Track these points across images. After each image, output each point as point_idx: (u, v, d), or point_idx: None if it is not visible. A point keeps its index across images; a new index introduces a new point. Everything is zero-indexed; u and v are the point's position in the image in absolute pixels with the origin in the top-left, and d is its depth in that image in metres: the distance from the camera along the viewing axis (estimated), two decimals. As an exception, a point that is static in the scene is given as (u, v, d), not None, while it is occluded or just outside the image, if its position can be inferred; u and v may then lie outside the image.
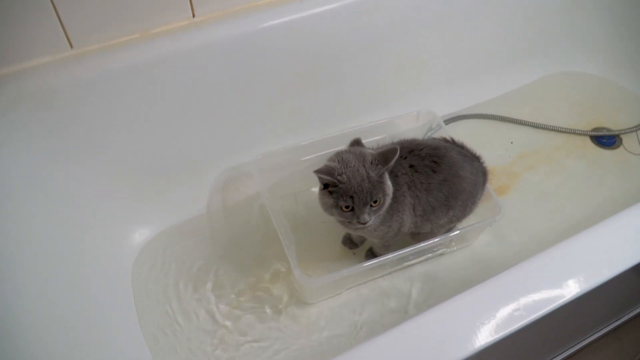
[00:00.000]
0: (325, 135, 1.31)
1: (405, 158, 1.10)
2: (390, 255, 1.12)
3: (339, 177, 0.98)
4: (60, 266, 1.09)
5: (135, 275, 1.25)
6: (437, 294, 1.23)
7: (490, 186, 1.25)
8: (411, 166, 1.09)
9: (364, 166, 0.99)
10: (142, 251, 1.29)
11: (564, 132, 1.56)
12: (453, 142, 1.20)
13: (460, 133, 1.54)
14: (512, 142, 1.55)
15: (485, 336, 0.78)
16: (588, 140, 1.56)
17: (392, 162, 1.00)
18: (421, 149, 1.11)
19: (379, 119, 1.36)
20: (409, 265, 1.27)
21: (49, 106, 1.11)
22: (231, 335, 1.16)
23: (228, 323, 1.18)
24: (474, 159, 1.19)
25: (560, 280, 0.85)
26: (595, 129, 1.58)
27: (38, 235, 1.06)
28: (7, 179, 1.03)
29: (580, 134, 1.56)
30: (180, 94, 1.23)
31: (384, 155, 1.00)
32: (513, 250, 1.31)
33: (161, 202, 1.33)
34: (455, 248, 1.30)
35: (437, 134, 1.39)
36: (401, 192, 1.08)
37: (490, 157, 1.44)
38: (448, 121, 1.57)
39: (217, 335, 1.16)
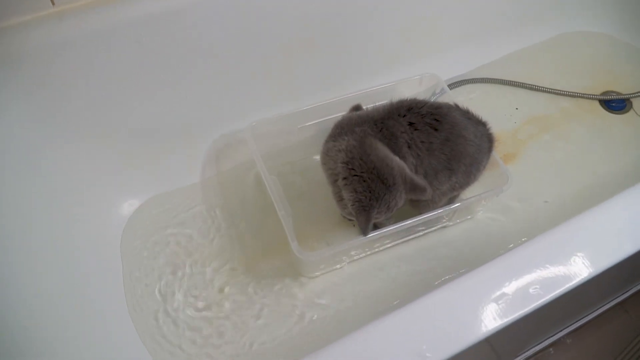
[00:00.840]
0: (324, 101, 1.23)
1: (404, 116, 1.04)
2: (390, 228, 1.07)
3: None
4: (48, 238, 1.04)
5: (124, 245, 1.20)
6: (441, 267, 1.19)
7: (498, 154, 1.20)
8: (410, 124, 1.03)
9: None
10: (132, 219, 1.23)
11: (572, 96, 1.49)
12: (457, 107, 1.14)
13: (465, 98, 1.48)
14: (517, 108, 1.48)
15: (494, 319, 0.74)
16: (597, 104, 1.50)
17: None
18: (421, 107, 1.05)
19: (380, 84, 1.28)
20: (410, 238, 1.22)
21: (29, 65, 1.03)
22: (220, 311, 1.13)
23: (220, 298, 1.14)
24: (479, 123, 1.13)
25: (574, 258, 0.80)
26: (604, 93, 1.52)
27: (23, 208, 1.01)
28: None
29: (588, 98, 1.49)
30: (171, 55, 1.15)
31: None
32: (519, 222, 1.26)
33: (152, 170, 1.26)
34: (458, 220, 1.25)
35: (441, 99, 1.33)
36: (402, 154, 1.02)
37: (495, 123, 1.38)
38: (452, 85, 1.50)
39: (210, 311, 1.12)
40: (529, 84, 1.51)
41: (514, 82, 1.52)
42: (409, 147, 1.03)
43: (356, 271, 1.19)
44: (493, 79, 1.53)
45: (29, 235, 1.00)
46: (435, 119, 1.04)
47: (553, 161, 1.38)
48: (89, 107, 1.13)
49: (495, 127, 1.30)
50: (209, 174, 1.31)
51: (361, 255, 1.20)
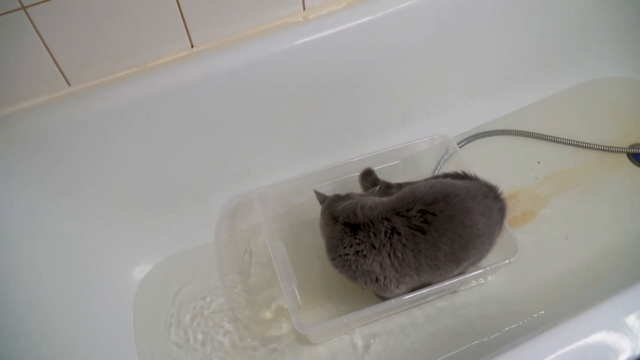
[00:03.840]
0: (336, 163, 1.26)
1: (388, 220, 1.02)
2: (391, 302, 1.06)
3: None
4: (63, 302, 1.10)
5: (137, 306, 1.25)
6: (447, 334, 1.17)
7: (513, 213, 1.17)
8: (393, 229, 1.01)
9: None
10: (145, 279, 1.28)
11: (597, 149, 1.43)
12: (464, 176, 1.12)
13: (481, 152, 1.45)
14: (538, 162, 1.43)
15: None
16: (625, 157, 1.42)
17: None
18: (409, 209, 1.01)
19: (392, 144, 1.29)
20: (420, 303, 1.20)
21: (46, 145, 1.10)
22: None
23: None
24: (488, 194, 1.09)
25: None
26: (633, 145, 1.44)
27: (37, 275, 1.07)
28: (3, 221, 1.04)
29: (615, 151, 1.42)
30: (180, 126, 1.20)
31: None
32: (535, 289, 1.21)
33: (164, 233, 1.32)
34: (469, 286, 1.22)
35: (453, 160, 1.31)
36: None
37: (513, 179, 1.38)
38: (469, 139, 1.47)
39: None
40: (550, 136, 1.46)
41: (535, 133, 1.47)
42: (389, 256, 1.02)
43: (366, 334, 1.18)
44: (512, 130, 1.49)
45: (43, 303, 1.05)
46: (425, 221, 1.00)
47: (575, 220, 1.32)
48: (103, 178, 1.19)
49: (514, 183, 1.29)
50: (223, 235, 1.35)
51: (368, 322, 1.19)
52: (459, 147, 1.43)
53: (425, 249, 1.00)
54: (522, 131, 1.48)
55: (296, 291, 1.15)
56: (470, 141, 1.47)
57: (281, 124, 1.29)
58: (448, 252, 1.00)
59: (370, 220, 1.01)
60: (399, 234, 1.00)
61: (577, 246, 1.27)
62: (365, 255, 1.01)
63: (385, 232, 1.00)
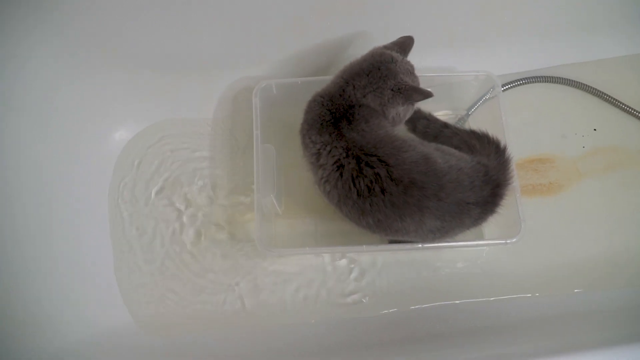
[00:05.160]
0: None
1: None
2: (362, 246, 1.00)
3: None
4: (39, 155, 1.06)
5: (118, 166, 1.20)
6: (419, 291, 1.10)
7: (540, 179, 1.07)
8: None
9: None
10: (133, 140, 1.22)
11: (672, 133, 1.19)
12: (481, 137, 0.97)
13: (531, 100, 1.24)
14: (595, 129, 1.21)
15: None
16: (702, 152, 1.19)
17: None
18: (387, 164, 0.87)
19: (432, 65, 1.11)
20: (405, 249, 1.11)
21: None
22: (192, 260, 1.13)
23: (192, 248, 1.14)
24: (488, 181, 0.91)
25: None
26: None
27: (13, 122, 1.02)
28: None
29: (693, 143, 1.18)
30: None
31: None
32: (532, 273, 1.11)
33: (159, 96, 1.22)
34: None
35: (493, 102, 1.11)
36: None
37: (557, 141, 1.21)
38: (521, 81, 1.23)
39: (179, 258, 1.13)
40: (620, 102, 1.21)
41: (602, 93, 1.22)
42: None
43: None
44: (575, 82, 1.24)
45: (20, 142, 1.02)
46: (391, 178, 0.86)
47: (606, 211, 1.15)
48: (101, 21, 1.06)
49: (556, 146, 1.17)
50: (221, 115, 1.24)
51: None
52: (505, 89, 1.22)
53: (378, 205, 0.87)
54: (587, 85, 1.23)
55: (274, 200, 1.08)
56: (521, 84, 1.24)
57: (306, 19, 1.10)
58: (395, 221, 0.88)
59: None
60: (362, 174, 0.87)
61: (591, 239, 1.13)
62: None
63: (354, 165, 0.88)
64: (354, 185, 0.87)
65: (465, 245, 1.03)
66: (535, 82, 1.24)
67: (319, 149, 0.92)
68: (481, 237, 1.07)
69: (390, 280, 1.10)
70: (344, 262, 1.12)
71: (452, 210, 0.86)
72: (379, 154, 0.86)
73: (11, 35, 0.97)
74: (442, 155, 0.90)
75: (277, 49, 1.17)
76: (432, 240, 0.94)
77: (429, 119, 1.09)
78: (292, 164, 1.13)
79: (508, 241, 0.98)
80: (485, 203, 0.90)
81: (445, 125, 1.07)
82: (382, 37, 1.09)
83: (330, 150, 0.90)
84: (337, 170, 0.89)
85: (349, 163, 0.87)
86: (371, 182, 0.86)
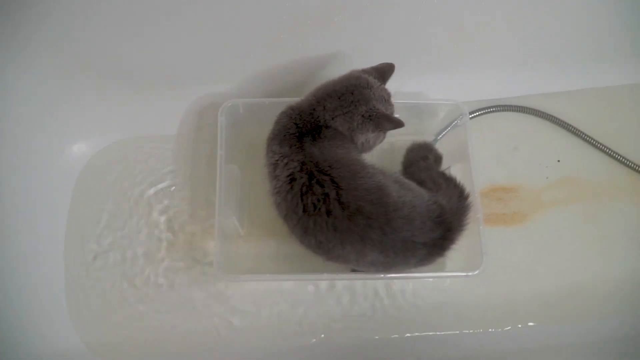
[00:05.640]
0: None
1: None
2: (323, 274, 0.98)
3: None
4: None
5: (79, 185, 1.16)
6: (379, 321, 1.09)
7: (503, 209, 1.10)
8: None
9: None
10: (96, 157, 1.18)
11: (635, 169, 1.21)
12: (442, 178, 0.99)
13: (498, 128, 1.24)
14: (559, 161, 1.23)
15: None
16: (661, 190, 1.21)
17: None
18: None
19: (399, 93, 1.09)
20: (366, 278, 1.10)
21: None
22: (149, 283, 1.10)
23: (149, 271, 1.10)
24: (440, 223, 0.89)
25: None
26: (677, 178, 1.21)
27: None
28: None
29: (653, 178, 1.21)
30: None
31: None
32: (495, 303, 1.10)
33: (124, 112, 1.18)
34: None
35: (459, 131, 1.12)
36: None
37: (521, 170, 1.21)
38: (489, 109, 1.24)
39: (137, 281, 1.10)
40: (584, 134, 1.23)
41: (567, 124, 1.23)
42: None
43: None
44: (541, 112, 1.25)
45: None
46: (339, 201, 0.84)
47: (567, 242, 1.16)
48: (71, 31, 1.02)
49: (520, 175, 1.18)
50: (185, 131, 1.21)
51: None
52: (474, 116, 1.23)
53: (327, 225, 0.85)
54: (553, 116, 1.24)
55: (236, 221, 1.06)
56: (490, 112, 1.24)
57: (278, 36, 1.08)
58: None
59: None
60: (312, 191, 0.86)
61: (550, 272, 1.13)
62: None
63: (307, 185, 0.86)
64: (302, 200, 0.85)
65: (426, 276, 1.02)
66: (504, 110, 1.25)
67: (277, 160, 0.90)
68: (443, 268, 1.06)
69: (350, 307, 1.09)
70: (310, 287, 1.10)
71: (397, 247, 0.84)
72: (333, 175, 0.85)
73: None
74: (399, 189, 0.88)
75: (246, 66, 1.15)
76: (375, 272, 0.93)
77: (420, 147, 1.08)
78: (256, 183, 1.11)
79: (469, 274, 0.98)
80: (434, 245, 0.88)
81: (425, 157, 1.06)
82: (359, 59, 1.08)
83: (287, 163, 0.88)
84: (289, 183, 0.87)
85: (301, 177, 0.86)
86: (318, 200, 0.84)
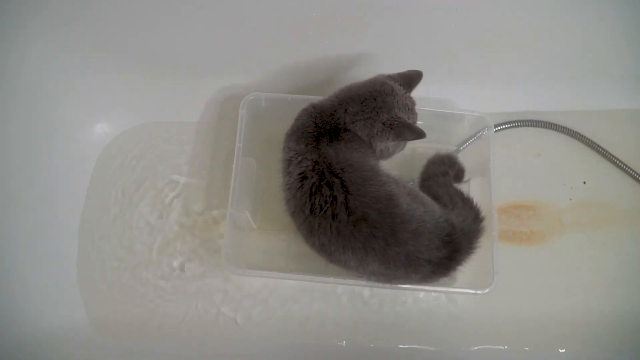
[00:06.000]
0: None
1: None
2: (330, 278, 0.96)
3: None
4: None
5: (99, 164, 1.18)
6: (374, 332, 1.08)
7: (521, 227, 1.09)
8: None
9: None
10: (118, 138, 1.19)
11: (663, 197, 1.17)
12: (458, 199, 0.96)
13: (524, 144, 1.21)
14: (585, 182, 1.19)
15: None
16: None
17: None
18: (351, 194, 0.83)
19: (427, 96, 1.07)
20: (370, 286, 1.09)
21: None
22: (159, 267, 1.11)
23: (159, 256, 1.12)
24: (447, 243, 0.87)
25: None
26: None
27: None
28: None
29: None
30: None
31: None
32: (502, 322, 1.08)
33: (147, 97, 1.19)
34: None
35: (483, 143, 1.09)
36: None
37: (544, 188, 1.18)
38: (517, 123, 1.21)
39: (147, 263, 1.11)
40: (615, 157, 1.19)
41: (598, 145, 1.19)
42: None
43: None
44: (571, 130, 1.21)
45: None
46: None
47: (585, 267, 1.12)
48: (97, 14, 1.03)
49: (542, 193, 1.15)
50: (208, 120, 1.21)
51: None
52: (500, 129, 1.20)
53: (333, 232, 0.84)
54: (583, 136, 1.20)
55: (249, 215, 1.06)
56: (516, 126, 1.21)
57: (306, 33, 1.06)
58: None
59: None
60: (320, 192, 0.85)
61: (565, 295, 1.10)
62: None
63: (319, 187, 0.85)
64: (310, 199, 0.84)
65: (434, 290, 1.00)
66: (532, 126, 1.21)
67: (291, 157, 0.89)
68: (453, 282, 1.04)
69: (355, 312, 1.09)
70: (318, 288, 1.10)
71: (399, 260, 0.83)
72: (344, 178, 0.83)
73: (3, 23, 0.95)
74: (411, 201, 0.86)
75: (272, 60, 1.14)
76: (375, 283, 0.91)
77: (442, 160, 1.06)
78: (273, 178, 1.09)
79: (478, 292, 0.95)
80: (439, 264, 0.85)
81: (445, 173, 1.03)
82: (386, 61, 1.06)
83: (301, 161, 0.87)
84: (300, 181, 0.86)
85: (312, 177, 0.85)
86: (326, 202, 0.83)
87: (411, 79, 0.94)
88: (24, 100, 1.02)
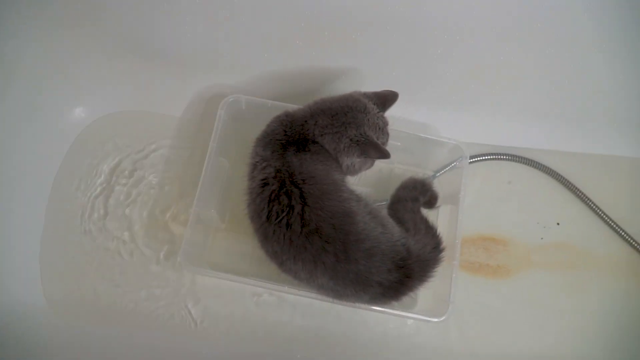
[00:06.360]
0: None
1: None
2: (284, 286, 0.96)
3: None
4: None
5: (74, 147, 1.17)
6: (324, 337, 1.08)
7: (488, 260, 1.08)
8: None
9: None
10: (93, 124, 1.19)
11: (637, 248, 1.15)
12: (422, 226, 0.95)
13: (499, 177, 1.20)
14: (558, 224, 1.18)
15: None
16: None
17: None
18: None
19: (406, 119, 1.07)
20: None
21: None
22: (125, 254, 1.11)
23: (128, 244, 1.11)
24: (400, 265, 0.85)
25: None
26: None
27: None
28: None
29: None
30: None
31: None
32: (456, 351, 1.07)
33: (131, 84, 1.19)
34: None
35: (456, 172, 1.08)
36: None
37: (516, 224, 1.18)
38: (493, 155, 1.20)
39: (113, 249, 1.11)
40: (591, 202, 1.18)
41: (575, 187, 1.18)
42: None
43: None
44: (548, 168, 1.20)
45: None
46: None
47: (547, 307, 1.11)
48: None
49: (513, 229, 1.15)
50: (189, 116, 1.21)
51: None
52: (477, 160, 1.19)
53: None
54: (562, 176, 1.19)
55: (215, 214, 1.06)
56: (495, 159, 1.20)
57: (296, 42, 1.07)
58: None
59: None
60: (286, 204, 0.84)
61: (524, 334, 1.10)
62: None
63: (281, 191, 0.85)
64: (267, 206, 0.84)
65: (388, 312, 0.98)
66: (511, 160, 1.21)
67: (257, 162, 0.89)
68: (414, 305, 1.04)
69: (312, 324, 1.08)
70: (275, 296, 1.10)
71: (349, 278, 0.82)
72: (304, 189, 0.83)
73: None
74: (369, 220, 0.86)
75: (260, 64, 1.15)
76: (327, 297, 0.90)
77: (415, 186, 1.04)
78: (245, 181, 1.10)
79: (434, 319, 0.94)
80: (389, 287, 0.85)
81: (415, 199, 1.02)
82: (370, 78, 1.06)
83: (265, 167, 0.87)
84: (261, 187, 0.86)
85: (273, 184, 0.85)
86: (282, 211, 0.83)
87: (386, 99, 0.94)
88: (5, 76, 1.02)
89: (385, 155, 0.87)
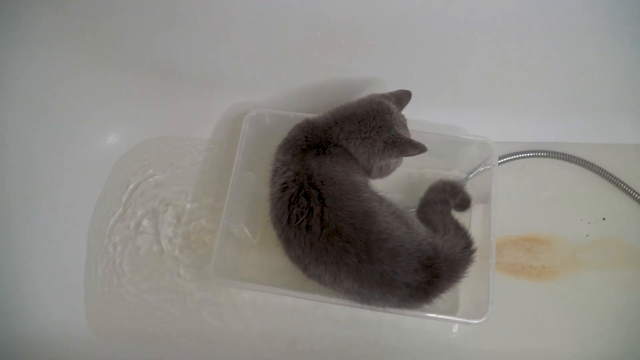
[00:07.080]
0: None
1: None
2: (316, 295, 0.94)
3: None
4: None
5: (113, 173, 1.22)
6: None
7: (532, 260, 1.04)
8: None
9: None
10: (130, 152, 1.24)
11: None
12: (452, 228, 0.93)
13: (540, 175, 1.16)
14: (604, 219, 1.11)
15: None
16: None
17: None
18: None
19: (435, 121, 1.08)
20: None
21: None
22: (163, 278, 1.12)
23: (159, 262, 1.13)
24: (423, 267, 0.83)
25: None
26: None
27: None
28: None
29: None
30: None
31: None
32: (500, 356, 1.02)
33: (159, 111, 1.24)
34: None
35: (490, 171, 1.05)
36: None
37: (560, 222, 1.12)
38: (529, 153, 1.16)
39: (152, 273, 1.13)
40: (636, 192, 1.11)
41: (619, 180, 1.12)
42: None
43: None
44: (593, 164, 1.14)
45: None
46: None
47: (597, 309, 1.04)
48: (111, 26, 1.08)
49: (558, 228, 1.10)
50: (219, 137, 1.24)
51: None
52: (514, 159, 1.16)
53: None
54: (604, 170, 1.13)
55: (246, 229, 1.07)
56: (532, 156, 1.16)
57: (314, 57, 1.08)
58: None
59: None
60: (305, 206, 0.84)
61: (574, 337, 1.03)
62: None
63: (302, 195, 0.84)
64: (288, 210, 0.84)
65: (421, 315, 0.94)
66: (551, 157, 1.16)
67: (277, 167, 0.90)
68: (456, 309, 1.01)
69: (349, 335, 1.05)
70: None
71: (374, 279, 0.80)
72: (323, 191, 0.83)
73: (16, 29, 1.01)
74: (392, 221, 0.84)
75: (282, 80, 1.16)
76: (354, 302, 0.88)
77: (444, 188, 1.03)
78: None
79: (473, 321, 0.90)
80: (417, 288, 0.81)
81: (445, 201, 1.00)
82: (392, 86, 1.05)
83: (285, 171, 0.88)
84: (282, 191, 0.86)
85: (292, 187, 0.85)
86: (302, 213, 0.82)
87: (401, 99, 0.95)
88: (44, 106, 1.09)
89: (422, 149, 0.87)
